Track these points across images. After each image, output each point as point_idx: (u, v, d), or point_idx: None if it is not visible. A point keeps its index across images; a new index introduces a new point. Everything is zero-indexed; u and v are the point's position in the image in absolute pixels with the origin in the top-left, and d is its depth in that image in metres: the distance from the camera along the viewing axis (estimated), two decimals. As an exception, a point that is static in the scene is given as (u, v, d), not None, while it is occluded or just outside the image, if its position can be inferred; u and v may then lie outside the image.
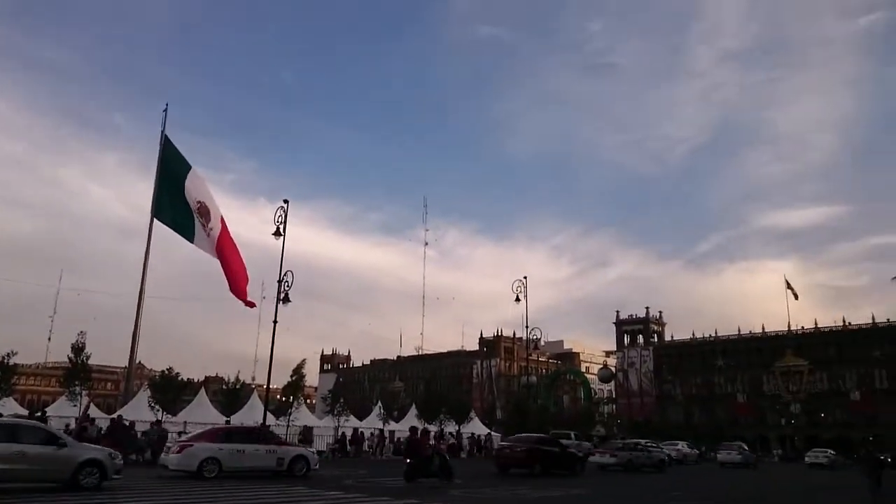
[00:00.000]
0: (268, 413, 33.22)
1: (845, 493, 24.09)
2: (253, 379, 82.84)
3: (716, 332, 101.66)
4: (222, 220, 25.72)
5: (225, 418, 34.88)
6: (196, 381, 56.22)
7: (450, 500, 15.41)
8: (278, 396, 58.34)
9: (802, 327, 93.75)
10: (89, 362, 32.53)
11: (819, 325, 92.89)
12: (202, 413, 38.83)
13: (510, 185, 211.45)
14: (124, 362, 38.55)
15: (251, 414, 38.03)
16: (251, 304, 27.41)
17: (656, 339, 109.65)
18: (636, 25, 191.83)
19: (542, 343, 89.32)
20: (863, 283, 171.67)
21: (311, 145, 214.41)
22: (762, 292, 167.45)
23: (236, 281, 26.21)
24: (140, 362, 59.66)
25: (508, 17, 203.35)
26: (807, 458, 55.15)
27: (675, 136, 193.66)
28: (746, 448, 50.04)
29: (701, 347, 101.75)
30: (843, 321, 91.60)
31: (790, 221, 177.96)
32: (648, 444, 38.33)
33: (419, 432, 22.03)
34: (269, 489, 16.12)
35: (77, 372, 30.98)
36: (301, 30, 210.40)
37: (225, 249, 25.70)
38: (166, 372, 39.07)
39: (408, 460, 19.87)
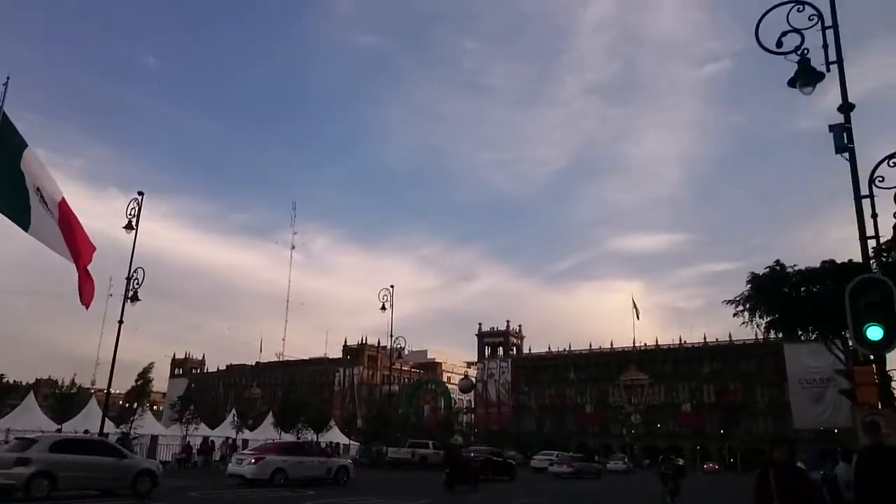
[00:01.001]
0: (107, 420, 30.61)
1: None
2: (93, 383, 76.45)
3: (569, 347, 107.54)
4: (64, 202, 23.35)
5: (56, 426, 31.80)
6: (25, 384, 50.90)
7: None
8: (121, 402, 54.12)
9: (645, 344, 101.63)
10: None
11: (659, 343, 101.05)
12: (30, 419, 35.15)
13: (381, 195, 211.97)
14: (-65, 361, 34.09)
15: (87, 421, 34.93)
16: (87, 303, 24.84)
17: (515, 352, 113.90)
18: (509, 49, 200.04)
19: (406, 352, 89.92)
20: (698, 306, 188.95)
21: (175, 137, 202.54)
22: (612, 310, 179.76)
23: (80, 271, 23.59)
24: (-44, 361, 53.03)
25: (388, 27, 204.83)
26: (608, 465, 57.17)
27: (541, 159, 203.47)
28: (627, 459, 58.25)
29: (555, 360, 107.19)
30: (680, 340, 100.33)
31: (638, 246, 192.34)
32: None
33: (458, 447, 30.03)
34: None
35: None
36: (172, 13, 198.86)
37: (69, 234, 23.15)
38: (-12, 373, 35.04)
39: (447, 470, 23.14)
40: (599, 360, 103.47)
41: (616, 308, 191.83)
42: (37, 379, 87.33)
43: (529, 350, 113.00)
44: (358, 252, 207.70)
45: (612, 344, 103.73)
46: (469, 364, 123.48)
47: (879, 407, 9.87)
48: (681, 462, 25.55)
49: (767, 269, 29.27)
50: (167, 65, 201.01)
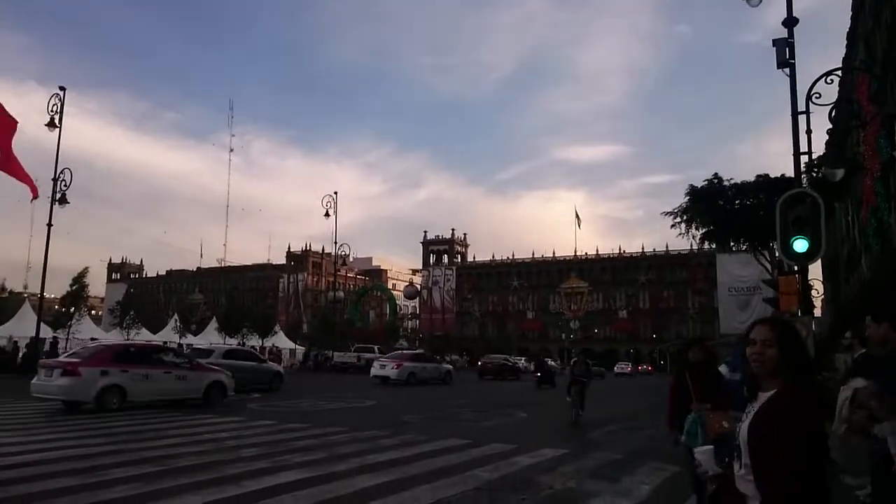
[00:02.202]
0: (42, 324, 29.93)
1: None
2: (25, 287, 74.06)
3: (513, 255, 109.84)
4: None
5: (-12, 330, 30.92)
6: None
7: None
8: (56, 307, 52.86)
9: (586, 253, 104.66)
10: None
11: (599, 252, 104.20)
12: (-42, 324, 34.08)
13: (325, 98, 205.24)
14: None
15: (22, 325, 34.07)
16: (34, 193, 23.40)
17: (459, 260, 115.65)
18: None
19: (351, 259, 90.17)
20: (638, 216, 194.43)
21: (96, 26, 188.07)
22: (556, 220, 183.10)
23: (13, 163, 21.90)
24: None
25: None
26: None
27: (490, 63, 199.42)
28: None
29: (499, 269, 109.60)
30: (620, 249, 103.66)
31: (582, 156, 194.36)
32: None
33: (545, 360, 41.55)
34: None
35: None
36: None
37: (4, 135, 21.45)
38: None
39: (538, 374, 32.83)
40: (541, 269, 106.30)
41: (559, 218, 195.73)
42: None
43: (474, 258, 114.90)
44: (300, 156, 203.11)
45: (554, 253, 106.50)
46: (414, 271, 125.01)
47: (799, 314, 10.49)
48: (593, 366, 19.23)
49: (706, 182, 29.97)
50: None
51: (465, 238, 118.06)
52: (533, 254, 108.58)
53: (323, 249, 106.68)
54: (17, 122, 21.11)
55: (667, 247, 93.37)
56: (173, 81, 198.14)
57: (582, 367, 15.85)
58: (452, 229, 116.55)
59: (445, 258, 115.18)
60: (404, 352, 38.11)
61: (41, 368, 15.12)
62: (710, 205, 29.55)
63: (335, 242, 45.62)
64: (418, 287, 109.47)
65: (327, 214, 42.96)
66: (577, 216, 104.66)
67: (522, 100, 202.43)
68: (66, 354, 18.94)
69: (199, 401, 16.08)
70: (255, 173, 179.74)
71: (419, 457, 9.30)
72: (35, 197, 22.12)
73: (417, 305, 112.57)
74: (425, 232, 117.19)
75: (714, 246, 44.30)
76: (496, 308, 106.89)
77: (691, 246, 45.97)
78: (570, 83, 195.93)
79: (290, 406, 17.07)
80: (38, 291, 31.01)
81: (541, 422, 15.76)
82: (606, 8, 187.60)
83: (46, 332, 31.74)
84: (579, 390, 14.96)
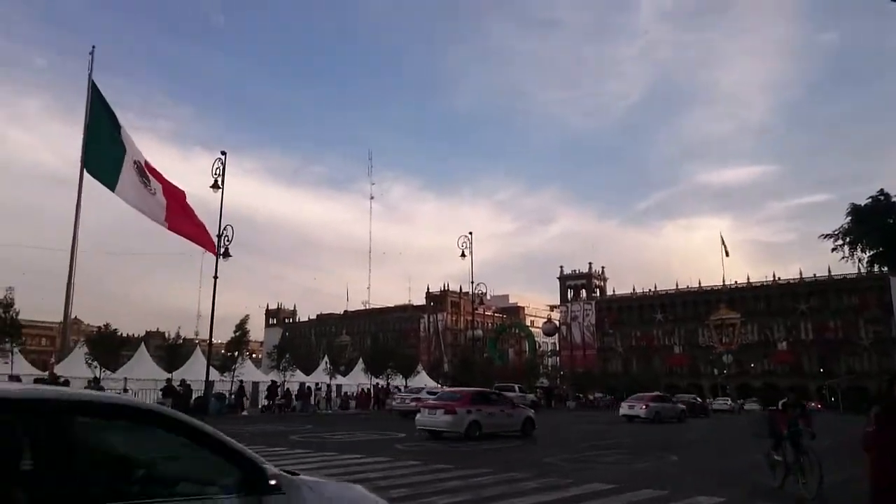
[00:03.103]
0: (211, 368, 32.81)
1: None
2: (196, 334, 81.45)
3: (655, 287, 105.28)
4: (155, 172, 24.61)
5: (167, 374, 34.30)
6: (136, 336, 54.90)
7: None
8: (222, 352, 57.64)
9: (735, 282, 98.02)
10: (20, 318, 31.30)
11: (751, 280, 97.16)
12: (143, 369, 38.06)
13: (455, 141, 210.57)
14: (59, 317, 37.20)
15: (194, 369, 37.48)
16: (213, 251, 26.39)
17: (598, 294, 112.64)
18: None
19: (488, 297, 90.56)
20: (791, 240, 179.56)
21: (250, 93, 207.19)
22: (700, 248, 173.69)
23: (198, 233, 24.99)
24: (76, 317, 57.86)
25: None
26: (714, 405, 58.21)
27: (616, 93, 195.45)
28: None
29: (641, 301, 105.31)
30: (773, 276, 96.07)
31: (725, 179, 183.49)
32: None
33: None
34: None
35: (6, 328, 29.75)
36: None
37: (181, 205, 24.50)
38: (104, 328, 37.94)
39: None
40: (687, 300, 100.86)
41: (703, 246, 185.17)
42: (147, 332, 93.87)
43: (613, 292, 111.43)
44: (434, 199, 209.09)
45: (699, 283, 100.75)
46: (552, 307, 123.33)
47: None
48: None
49: (870, 200, 27.32)
50: (233, 22, 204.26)
51: (602, 271, 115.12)
52: (677, 285, 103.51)
53: (460, 289, 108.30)
54: (184, 193, 23.73)
55: (829, 271, 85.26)
56: (318, 137, 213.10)
57: (796, 413, 10.29)
58: (590, 263, 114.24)
59: (583, 293, 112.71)
60: (645, 394, 38.13)
61: (424, 409, 20.54)
62: (877, 224, 26.83)
63: (472, 282, 46.29)
64: (557, 323, 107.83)
65: (463, 255, 43.80)
66: (724, 243, 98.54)
67: (654, 126, 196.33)
68: (435, 397, 23.62)
69: (518, 432, 20.40)
70: (394, 218, 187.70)
71: (561, 502, 9.08)
72: (213, 252, 24.86)
73: (557, 342, 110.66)
74: (561, 267, 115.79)
75: (886, 269, 39.92)
76: (640, 343, 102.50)
77: (858, 269, 41.72)
78: (705, 105, 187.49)
79: (433, 446, 17.33)
80: (207, 338, 34.17)
81: (700, 464, 14.79)
82: (735, 25, 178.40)
83: (214, 375, 34.65)
84: (798, 448, 9.82)
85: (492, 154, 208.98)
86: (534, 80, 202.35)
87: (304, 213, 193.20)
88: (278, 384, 38.54)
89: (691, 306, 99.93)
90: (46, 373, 29.11)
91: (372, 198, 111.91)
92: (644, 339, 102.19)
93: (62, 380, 25.18)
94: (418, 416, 20.49)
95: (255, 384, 40.55)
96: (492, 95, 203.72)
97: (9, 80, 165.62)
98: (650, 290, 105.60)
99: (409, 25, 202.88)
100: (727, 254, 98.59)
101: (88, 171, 23.26)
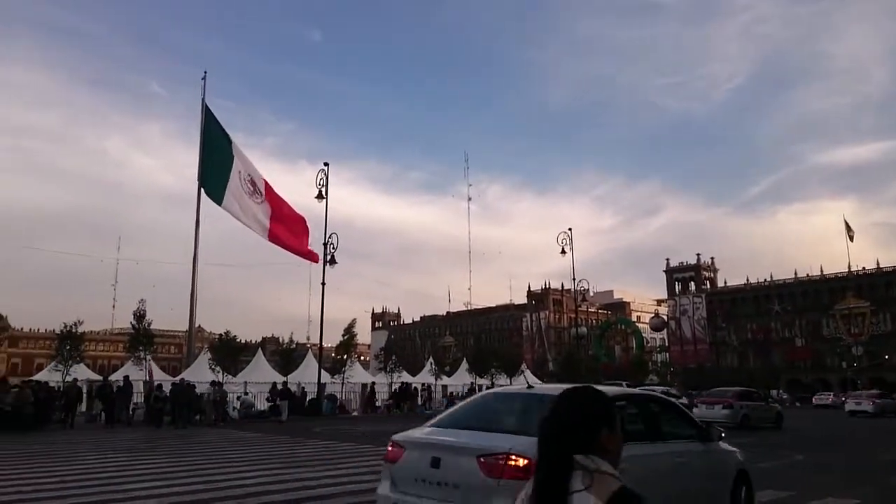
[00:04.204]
0: (323, 371, 34.21)
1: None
2: (307, 339, 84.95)
3: (771, 277, 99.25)
4: (269, 188, 25.96)
5: (282, 377, 36.03)
6: (253, 342, 57.96)
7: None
8: (332, 355, 59.87)
9: (863, 268, 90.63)
10: (151, 327, 33.88)
11: (881, 266, 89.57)
12: (261, 373, 40.10)
13: (551, 137, 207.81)
14: (185, 326, 39.96)
15: (307, 372, 39.14)
16: (315, 259, 27.74)
17: (708, 286, 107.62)
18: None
19: (591, 294, 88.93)
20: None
21: (347, 105, 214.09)
22: (819, 234, 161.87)
23: (299, 242, 26.41)
24: (199, 326, 61.87)
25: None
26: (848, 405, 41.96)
27: (720, 76, 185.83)
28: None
29: (755, 293, 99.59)
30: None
31: (847, 158, 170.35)
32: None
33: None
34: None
35: (140, 338, 32.30)
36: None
37: (284, 218, 25.92)
38: (224, 335, 40.33)
39: None
40: (808, 289, 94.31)
41: (823, 231, 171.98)
42: (263, 338, 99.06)
43: (725, 283, 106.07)
44: (531, 197, 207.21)
45: (821, 270, 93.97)
46: (659, 302, 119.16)
47: None
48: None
49: None
50: (330, 36, 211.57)
51: (712, 263, 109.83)
52: (795, 273, 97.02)
53: (562, 286, 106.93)
54: (303, 218, 25.28)
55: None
56: (413, 144, 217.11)
57: None
58: (698, 254, 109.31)
59: (692, 285, 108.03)
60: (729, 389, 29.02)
61: (702, 404, 24.95)
62: None
63: (573, 279, 45.66)
64: (665, 318, 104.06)
65: (563, 251, 43.28)
66: (848, 227, 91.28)
67: (763, 107, 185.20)
68: (701, 398, 27.47)
69: (773, 424, 24.69)
70: (491, 218, 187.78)
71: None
72: (314, 261, 26.12)
73: (665, 337, 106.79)
74: (667, 260, 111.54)
75: None
76: (756, 336, 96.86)
77: None
78: (818, 80, 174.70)
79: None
80: (318, 342, 35.67)
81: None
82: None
83: (325, 378, 36.04)
84: None
85: (589, 148, 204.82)
86: (630, 69, 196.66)
87: (403, 217, 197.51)
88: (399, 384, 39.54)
89: (812, 296, 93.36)
90: (178, 378, 31.32)
91: (469, 199, 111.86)
92: (761, 331, 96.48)
93: (188, 383, 26.97)
94: (695, 409, 22.66)
95: (364, 386, 41.80)
96: (586, 88, 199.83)
97: (131, 108, 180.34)
98: (765, 279, 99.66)
99: (499, 24, 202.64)
100: (851, 238, 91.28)
101: (205, 190, 24.90)
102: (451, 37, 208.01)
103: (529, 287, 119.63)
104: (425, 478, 5.09)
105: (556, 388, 5.00)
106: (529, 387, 6.28)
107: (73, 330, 31.71)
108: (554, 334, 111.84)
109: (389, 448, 5.67)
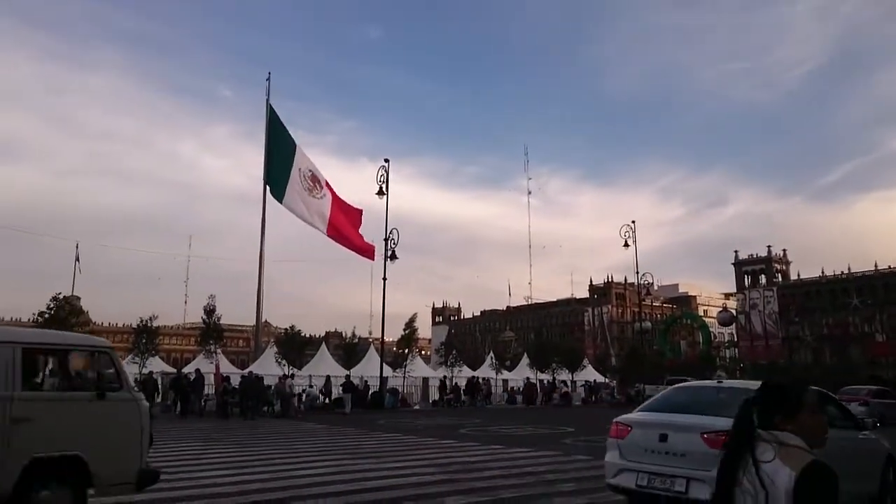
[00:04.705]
0: (384, 365, 34.71)
1: None
2: (370, 333, 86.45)
3: (849, 269, 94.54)
4: (328, 186, 26.49)
5: (346, 371, 36.76)
6: (317, 336, 59.35)
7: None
8: (394, 349, 60.67)
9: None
10: (221, 322, 35.16)
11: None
12: (325, 366, 41.02)
13: (612, 128, 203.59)
14: (252, 321, 41.29)
15: (369, 366, 39.82)
16: (371, 257, 28.19)
17: (780, 279, 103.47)
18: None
19: (656, 288, 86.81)
20: None
21: (405, 101, 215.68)
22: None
23: (355, 239, 26.91)
24: (266, 321, 63.81)
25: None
26: None
27: (789, 60, 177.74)
28: None
29: (832, 285, 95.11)
30: None
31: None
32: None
33: None
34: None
35: (210, 332, 33.56)
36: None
37: (343, 215, 26.43)
38: (290, 329, 41.42)
39: None
40: (890, 282, 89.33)
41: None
42: (326, 332, 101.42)
43: (798, 276, 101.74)
44: (593, 190, 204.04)
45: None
46: (727, 295, 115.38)
47: None
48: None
49: None
50: (388, 34, 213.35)
51: (784, 254, 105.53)
52: (876, 265, 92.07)
53: (625, 280, 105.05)
54: (360, 211, 25.73)
55: None
56: (472, 139, 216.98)
57: None
58: (768, 246, 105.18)
59: (763, 278, 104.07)
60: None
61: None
62: None
63: (637, 272, 44.87)
64: (733, 312, 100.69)
65: (626, 244, 42.60)
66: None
67: (838, 91, 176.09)
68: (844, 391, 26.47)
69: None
70: (552, 212, 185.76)
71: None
72: (373, 259, 26.52)
73: (734, 332, 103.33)
74: (736, 252, 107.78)
75: None
76: (833, 331, 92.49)
77: None
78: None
79: (603, 441, 16.96)
80: (380, 336, 36.22)
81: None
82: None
83: (387, 372, 36.57)
84: None
85: (652, 138, 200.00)
86: (694, 56, 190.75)
87: (462, 212, 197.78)
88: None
89: (895, 288, 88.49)
90: (247, 371, 32.41)
91: (529, 193, 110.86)
92: (838, 326, 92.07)
93: (256, 376, 27.86)
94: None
95: (425, 380, 42.20)
96: (648, 77, 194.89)
97: (200, 112, 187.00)
98: (842, 272, 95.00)
99: (556, 15, 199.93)
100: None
101: (268, 187, 25.63)
102: (509, 30, 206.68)
103: (591, 281, 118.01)
104: (654, 449, 6.71)
105: (743, 383, 8.20)
106: (719, 381, 8.59)
107: (149, 324, 33.25)
108: (617, 329, 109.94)
109: (614, 427, 7.45)
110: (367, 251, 26.56)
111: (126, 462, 6.62)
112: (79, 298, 37.90)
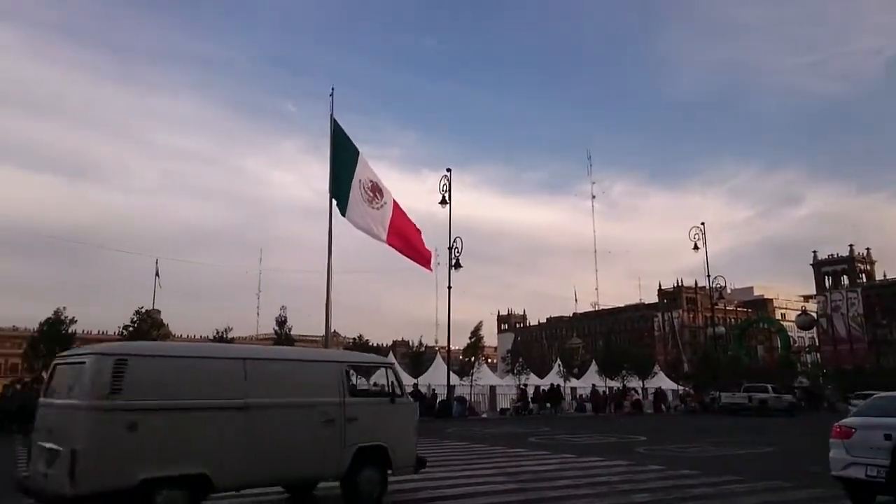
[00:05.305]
0: (451, 373, 34.82)
1: None
2: (436, 342, 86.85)
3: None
4: (389, 195, 26.81)
5: (413, 379, 37.08)
6: (384, 345, 60.13)
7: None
8: (460, 357, 60.78)
9: None
10: (292, 333, 36.17)
11: None
12: (392, 375, 41.54)
13: (679, 129, 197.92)
14: (322, 331, 42.17)
15: (436, 374, 40.03)
16: (429, 269, 28.39)
17: (864, 280, 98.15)
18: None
19: (728, 291, 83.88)
20: None
21: (465, 110, 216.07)
22: None
23: (417, 250, 27.11)
24: (335, 331, 65.04)
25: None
26: None
27: (866, 50, 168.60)
28: None
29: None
30: None
31: None
32: None
33: None
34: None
35: (282, 342, 34.57)
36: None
37: (403, 223, 26.68)
38: (357, 339, 42.17)
39: None
40: None
41: None
42: (393, 341, 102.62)
43: (884, 276, 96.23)
44: (659, 193, 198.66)
45: None
46: (806, 298, 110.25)
47: None
48: None
49: None
50: (445, 43, 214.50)
51: (868, 254, 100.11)
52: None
53: (696, 284, 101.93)
54: (419, 231, 26.07)
55: None
56: (532, 145, 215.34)
57: None
58: (850, 245, 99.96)
59: (845, 279, 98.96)
60: None
61: None
62: None
63: (708, 275, 43.53)
64: (814, 315, 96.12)
65: (696, 247, 41.48)
66: None
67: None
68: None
69: None
70: (617, 215, 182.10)
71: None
72: (430, 270, 26.71)
73: (815, 336, 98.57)
74: (814, 252, 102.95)
75: None
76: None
77: None
78: None
79: (677, 451, 16.53)
80: (446, 345, 36.37)
81: None
82: None
83: (454, 380, 36.67)
84: None
85: (721, 138, 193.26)
86: (763, 50, 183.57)
87: (525, 219, 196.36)
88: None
89: None
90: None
91: (593, 197, 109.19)
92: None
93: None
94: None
95: (492, 388, 42.07)
96: (715, 73, 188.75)
97: (268, 128, 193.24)
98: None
99: (617, 13, 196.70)
100: None
101: (334, 200, 26.19)
102: (566, 32, 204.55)
103: (660, 285, 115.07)
104: (879, 446, 7.97)
105: None
106: None
107: (224, 336, 34.53)
108: (688, 334, 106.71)
109: (837, 429, 8.63)
110: (425, 258, 26.78)
111: (409, 451, 8.86)
112: (159, 312, 39.70)
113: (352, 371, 9.21)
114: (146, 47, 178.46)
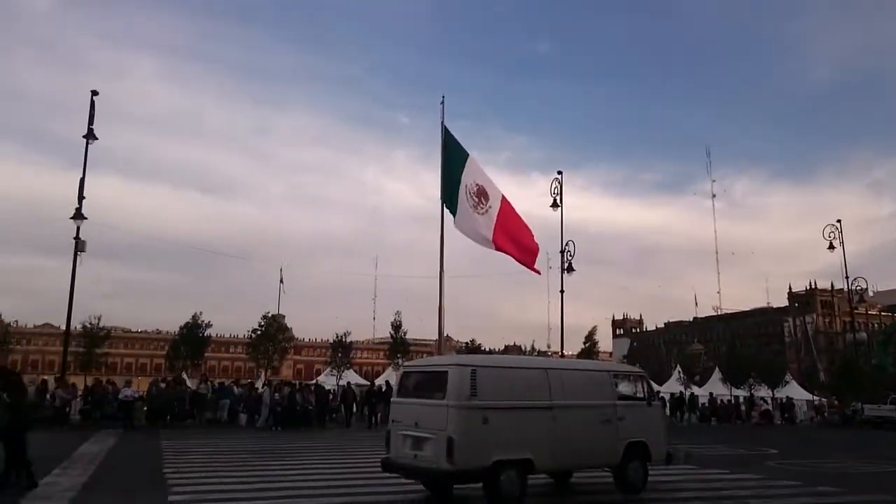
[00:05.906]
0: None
1: None
2: (548, 346, 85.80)
3: None
4: (503, 197, 26.73)
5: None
6: (497, 350, 60.20)
7: None
8: (574, 362, 59.61)
9: None
10: (406, 337, 37.09)
11: None
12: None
13: (809, 120, 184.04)
14: (435, 336, 42.91)
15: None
16: (537, 272, 28.05)
17: None
18: None
19: (871, 294, 76.95)
20: None
21: (575, 111, 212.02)
22: None
23: (526, 247, 26.79)
24: (448, 335, 65.97)
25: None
26: None
27: None
28: None
29: None
30: None
31: None
32: None
33: None
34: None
35: (397, 346, 35.52)
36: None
37: (510, 224, 26.48)
38: (470, 343, 42.57)
39: None
40: None
41: None
42: (505, 345, 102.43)
43: None
44: (787, 189, 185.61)
45: None
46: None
47: None
48: None
49: None
50: (556, 46, 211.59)
51: None
52: None
53: (832, 286, 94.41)
54: (535, 250, 25.82)
55: None
56: (646, 144, 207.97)
57: None
58: None
59: None
60: None
61: None
62: None
63: (846, 276, 40.17)
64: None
65: (832, 246, 38.41)
66: None
67: None
68: None
69: None
70: (740, 215, 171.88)
71: None
72: (539, 273, 26.39)
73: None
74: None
75: None
76: None
77: None
78: None
79: (815, 465, 15.32)
80: (559, 350, 35.84)
81: None
82: None
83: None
84: None
85: (859, 128, 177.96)
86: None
87: (639, 220, 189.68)
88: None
89: None
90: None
91: (714, 196, 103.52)
92: None
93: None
94: None
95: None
96: (851, 58, 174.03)
97: (382, 139, 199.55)
98: None
99: (742, 3, 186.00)
100: None
101: (447, 208, 26.53)
102: (683, 24, 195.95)
103: (790, 288, 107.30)
104: None
105: None
106: None
107: (343, 339, 35.97)
108: (824, 340, 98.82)
109: None
110: (532, 256, 26.37)
111: (662, 446, 10.16)
112: (283, 316, 41.99)
113: (617, 379, 10.45)
114: (268, 68, 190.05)
